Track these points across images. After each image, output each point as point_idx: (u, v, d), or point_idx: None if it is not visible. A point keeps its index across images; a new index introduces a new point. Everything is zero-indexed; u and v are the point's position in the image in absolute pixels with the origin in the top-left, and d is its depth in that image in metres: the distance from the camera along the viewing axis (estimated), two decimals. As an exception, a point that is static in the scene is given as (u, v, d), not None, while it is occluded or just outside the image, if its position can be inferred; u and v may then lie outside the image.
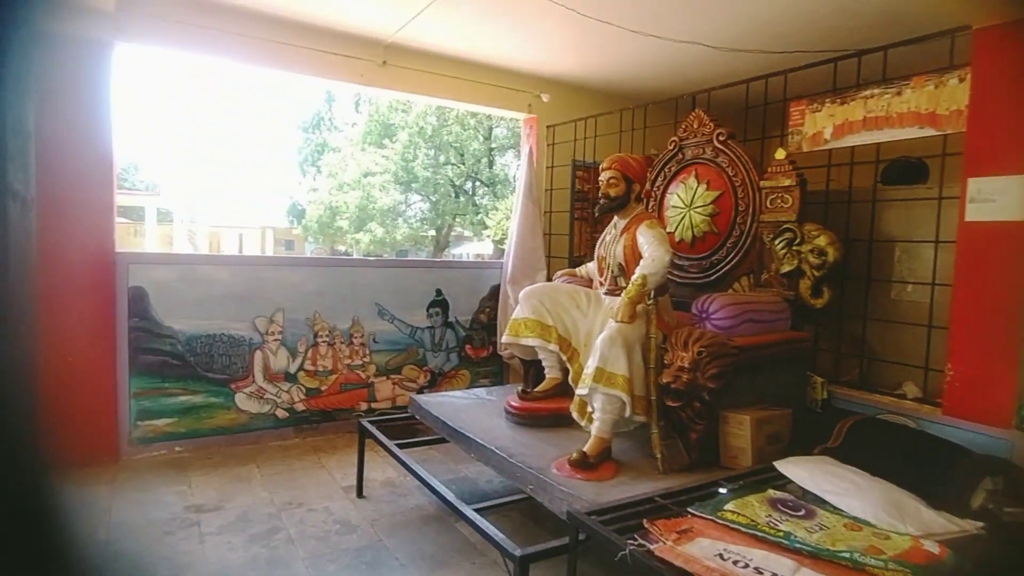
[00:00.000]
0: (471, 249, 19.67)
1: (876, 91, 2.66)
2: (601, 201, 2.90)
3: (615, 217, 2.92)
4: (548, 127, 4.65)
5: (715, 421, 2.39)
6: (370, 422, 3.14)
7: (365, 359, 4.07)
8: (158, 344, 3.43)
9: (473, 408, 3.13)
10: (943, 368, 2.41)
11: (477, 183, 18.46)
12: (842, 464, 2.14)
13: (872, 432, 2.28)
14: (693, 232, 3.16)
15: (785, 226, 2.75)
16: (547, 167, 4.67)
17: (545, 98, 4.58)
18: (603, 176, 2.88)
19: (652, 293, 2.49)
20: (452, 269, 4.51)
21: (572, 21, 3.40)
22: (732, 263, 3.00)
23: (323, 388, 3.93)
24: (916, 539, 1.67)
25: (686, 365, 2.35)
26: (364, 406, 4.08)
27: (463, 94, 4.39)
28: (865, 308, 2.77)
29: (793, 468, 2.14)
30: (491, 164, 17.09)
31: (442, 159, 18.02)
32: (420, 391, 4.24)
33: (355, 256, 16.51)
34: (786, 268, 2.74)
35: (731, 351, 2.39)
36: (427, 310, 4.30)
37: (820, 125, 2.89)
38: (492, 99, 4.51)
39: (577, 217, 4.61)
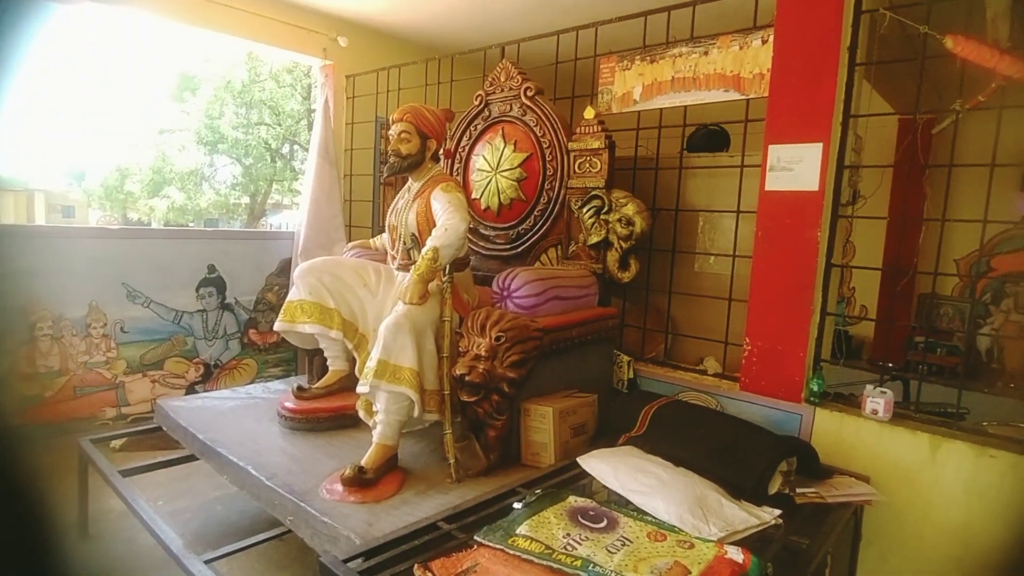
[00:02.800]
0: (291, 218, 18.09)
1: (684, 50, 2.49)
2: (391, 159, 2.44)
3: (409, 179, 2.50)
4: (348, 77, 4.04)
5: (516, 415, 2.09)
6: (95, 440, 2.42)
7: (110, 354, 3.23)
8: None
9: (241, 412, 2.56)
10: (742, 342, 2.34)
11: (295, 146, 16.89)
12: (647, 455, 1.94)
13: (675, 416, 2.12)
14: (500, 199, 2.83)
15: (593, 193, 2.52)
16: (347, 123, 4.08)
17: (343, 42, 3.94)
18: (393, 129, 2.42)
19: (447, 268, 2.12)
20: (229, 241, 3.74)
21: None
22: (540, 233, 2.72)
23: (47, 395, 3.04)
24: (720, 545, 1.49)
25: (482, 353, 2.01)
26: (111, 412, 3.25)
27: (240, 27, 3.60)
28: (671, 281, 2.64)
29: (596, 464, 1.90)
30: (311, 126, 15.67)
31: (255, 118, 16.16)
32: (191, 388, 3.50)
33: (155, 227, 14.35)
34: (594, 239, 2.51)
35: (534, 335, 2.09)
36: (197, 290, 3.53)
37: (630, 84, 2.67)
38: (278, 37, 3.77)
39: (383, 182, 4.09)
